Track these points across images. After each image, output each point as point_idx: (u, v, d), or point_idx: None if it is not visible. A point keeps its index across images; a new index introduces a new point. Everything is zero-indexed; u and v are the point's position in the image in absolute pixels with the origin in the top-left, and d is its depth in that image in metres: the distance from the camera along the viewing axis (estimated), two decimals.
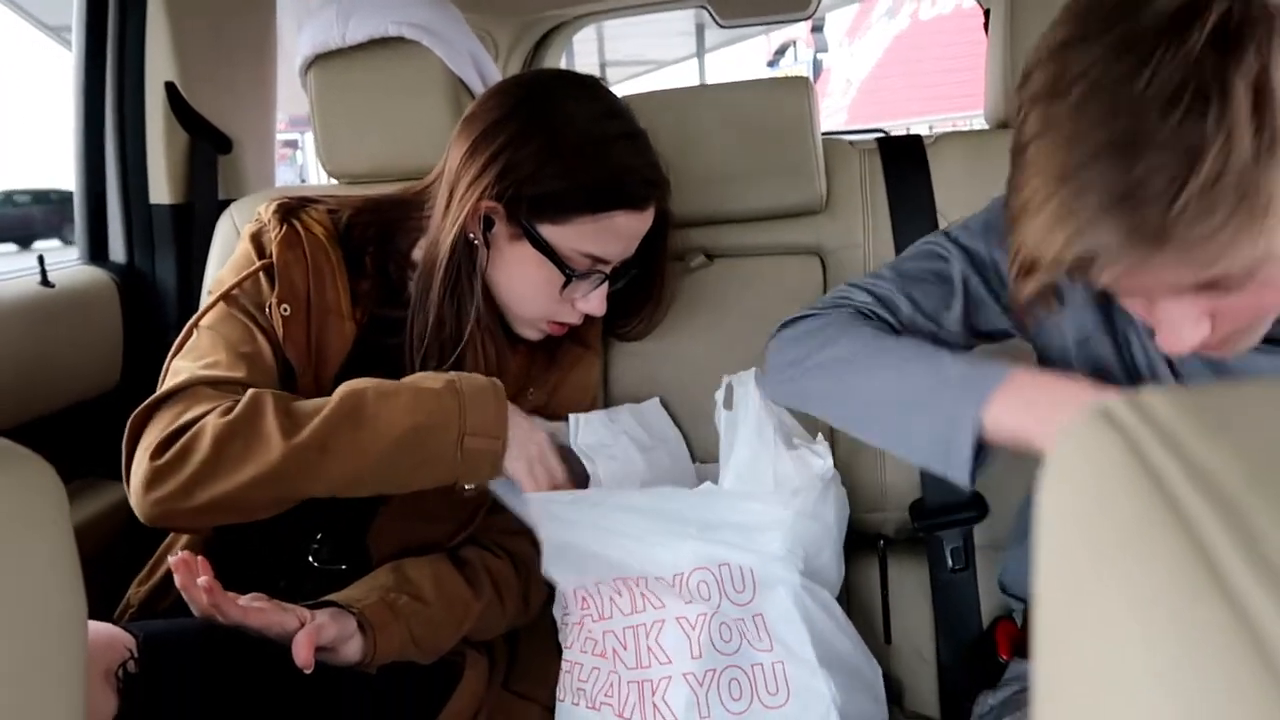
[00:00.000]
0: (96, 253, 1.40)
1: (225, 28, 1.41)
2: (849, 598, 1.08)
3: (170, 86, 1.33)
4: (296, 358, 0.91)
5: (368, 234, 0.99)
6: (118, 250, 1.40)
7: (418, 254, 0.98)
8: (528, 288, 0.94)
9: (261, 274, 0.92)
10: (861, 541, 1.10)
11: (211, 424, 0.79)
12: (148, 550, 1.04)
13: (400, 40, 1.17)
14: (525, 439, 0.88)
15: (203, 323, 0.90)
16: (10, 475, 0.34)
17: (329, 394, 0.90)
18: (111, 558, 1.13)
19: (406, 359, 0.95)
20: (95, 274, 1.33)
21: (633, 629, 0.83)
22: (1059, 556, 0.19)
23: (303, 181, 6.64)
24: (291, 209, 0.97)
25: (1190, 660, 0.15)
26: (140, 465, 0.80)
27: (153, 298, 1.39)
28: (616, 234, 0.93)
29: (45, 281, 1.22)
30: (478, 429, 0.83)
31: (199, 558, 0.76)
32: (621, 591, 0.85)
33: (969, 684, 0.97)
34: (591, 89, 0.95)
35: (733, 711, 0.78)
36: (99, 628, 0.69)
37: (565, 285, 0.92)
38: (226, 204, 1.29)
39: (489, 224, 0.91)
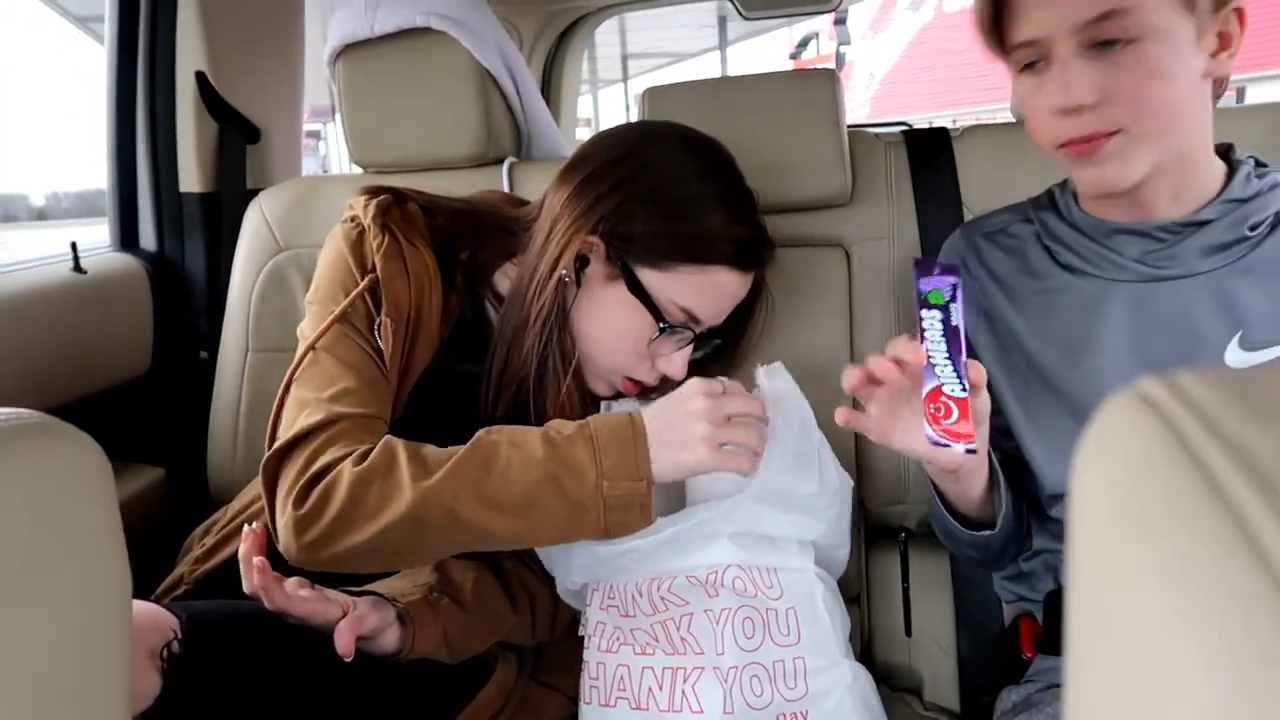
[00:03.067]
0: (127, 240, 1.42)
1: (255, 18, 1.42)
2: (870, 589, 1.08)
3: (200, 76, 1.35)
4: (390, 373, 0.87)
5: (461, 243, 0.96)
6: (148, 238, 1.42)
7: (501, 281, 0.96)
8: (612, 335, 0.90)
9: (367, 293, 0.88)
10: (883, 534, 1.10)
11: (348, 472, 0.77)
12: (180, 535, 1.05)
13: (428, 31, 1.18)
14: (683, 420, 0.78)
15: (320, 345, 0.85)
16: (58, 450, 0.35)
17: (403, 408, 0.88)
18: (142, 542, 1.15)
19: (482, 391, 0.92)
20: (126, 261, 1.35)
21: (661, 624, 0.83)
22: (1093, 534, 0.20)
23: (324, 172, 6.68)
24: (388, 209, 0.92)
25: (1229, 633, 0.15)
26: (284, 513, 0.78)
27: (182, 285, 1.40)
28: (716, 291, 0.90)
29: (78, 268, 1.24)
30: (616, 473, 0.77)
31: (264, 537, 0.77)
32: (644, 591, 0.85)
33: (990, 678, 0.97)
34: (708, 143, 0.94)
35: (755, 707, 0.78)
36: (143, 608, 0.69)
37: (655, 338, 0.89)
38: (254, 193, 1.31)
39: (584, 263, 0.89)
